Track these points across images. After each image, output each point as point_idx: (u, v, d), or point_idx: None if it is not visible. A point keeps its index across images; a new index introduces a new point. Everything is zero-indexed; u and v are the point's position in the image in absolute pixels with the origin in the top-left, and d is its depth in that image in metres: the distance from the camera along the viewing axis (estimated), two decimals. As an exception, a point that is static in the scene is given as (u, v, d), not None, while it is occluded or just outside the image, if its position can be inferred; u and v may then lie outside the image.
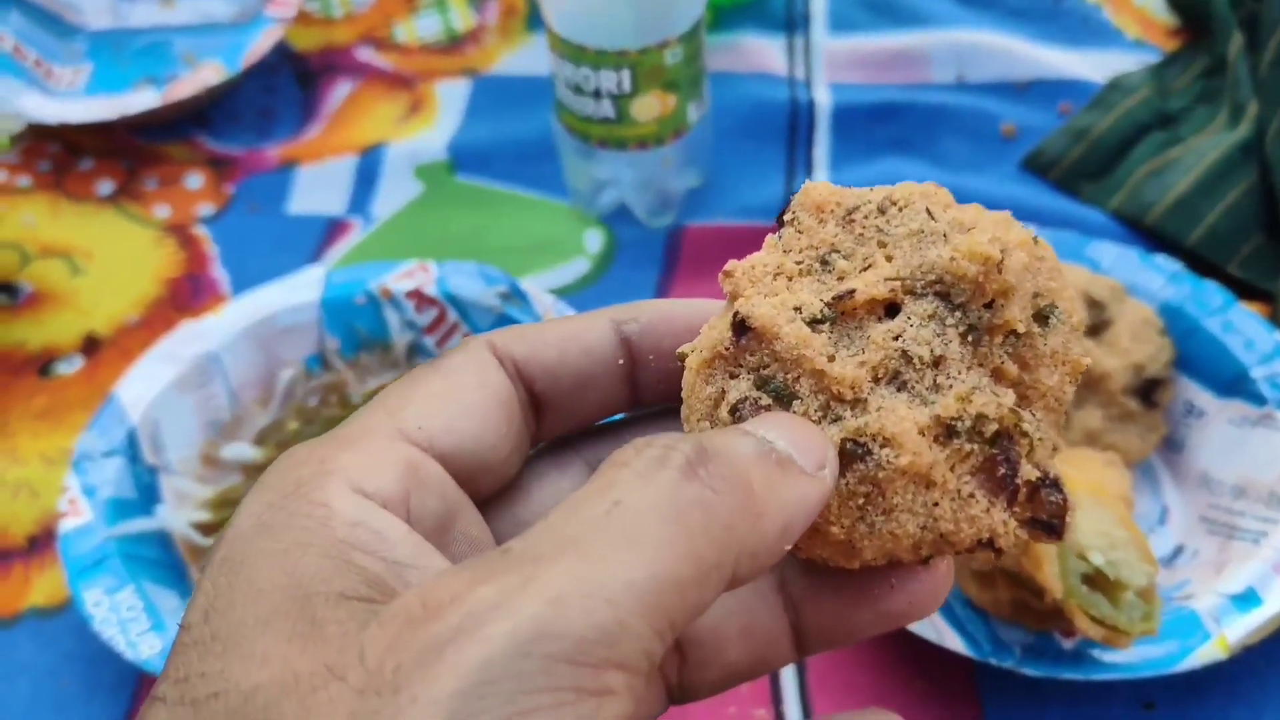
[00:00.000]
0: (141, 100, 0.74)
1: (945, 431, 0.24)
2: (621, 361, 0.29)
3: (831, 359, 0.25)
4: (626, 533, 0.20)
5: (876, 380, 0.25)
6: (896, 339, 0.25)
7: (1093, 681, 0.49)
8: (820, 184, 0.28)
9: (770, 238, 0.28)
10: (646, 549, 0.20)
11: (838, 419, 0.25)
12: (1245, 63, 0.74)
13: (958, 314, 0.25)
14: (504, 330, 0.28)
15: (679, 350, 0.27)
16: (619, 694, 0.20)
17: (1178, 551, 0.55)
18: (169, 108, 0.75)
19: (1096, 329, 0.57)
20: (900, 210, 0.27)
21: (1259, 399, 0.55)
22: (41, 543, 0.58)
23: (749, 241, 0.64)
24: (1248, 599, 0.48)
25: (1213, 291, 0.59)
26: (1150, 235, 0.69)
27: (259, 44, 0.77)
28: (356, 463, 0.24)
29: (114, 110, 0.74)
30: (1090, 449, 0.55)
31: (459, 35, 0.85)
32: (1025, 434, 0.25)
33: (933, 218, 0.26)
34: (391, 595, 0.22)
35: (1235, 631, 0.47)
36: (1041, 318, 0.26)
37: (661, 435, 0.22)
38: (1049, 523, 0.25)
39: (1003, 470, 0.25)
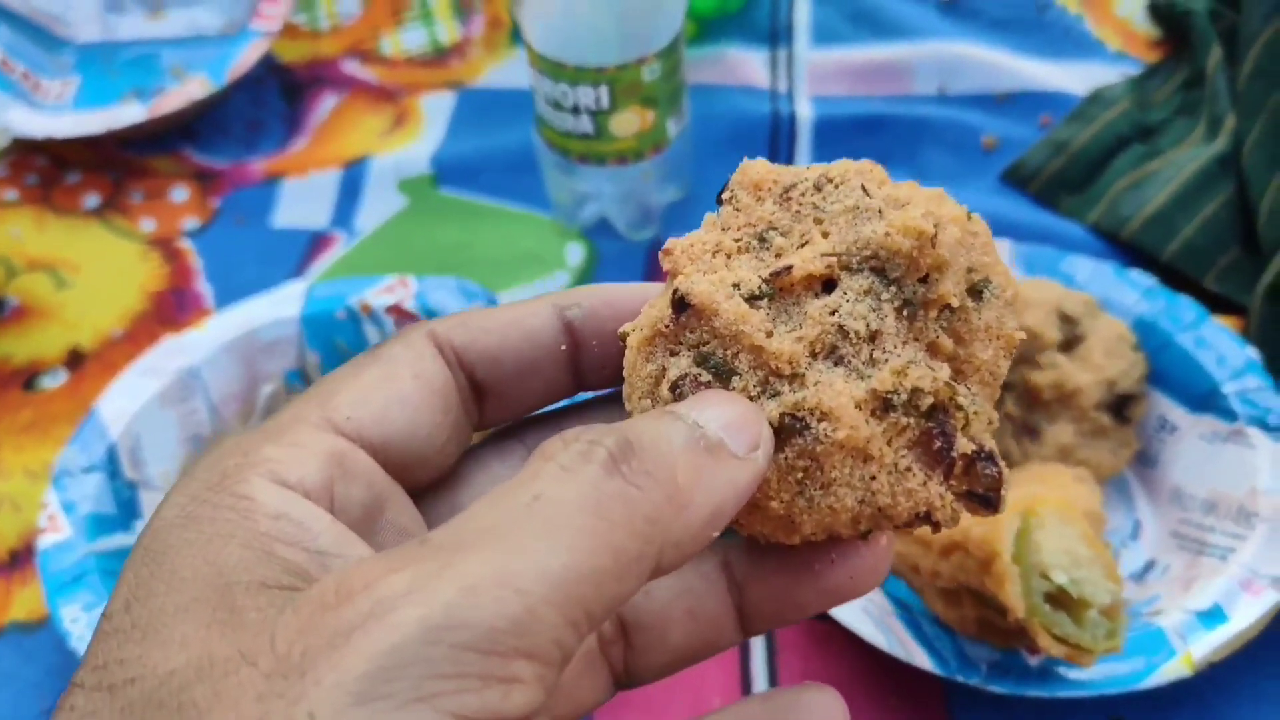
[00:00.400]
0: (128, 114, 0.75)
1: (882, 405, 0.25)
2: (564, 347, 0.29)
3: (769, 334, 0.25)
4: (545, 524, 0.20)
5: (814, 355, 0.25)
6: (833, 314, 0.25)
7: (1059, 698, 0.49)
8: (758, 162, 0.28)
9: (709, 216, 0.28)
10: (563, 540, 0.20)
11: (776, 394, 0.25)
12: (1224, 75, 0.74)
13: (893, 289, 0.25)
14: (445, 318, 0.28)
15: (620, 330, 0.27)
16: (527, 683, 0.20)
17: (1149, 566, 0.55)
18: (155, 121, 0.75)
19: (1069, 344, 0.57)
20: (836, 187, 0.27)
21: (1230, 414, 0.55)
22: (23, 558, 0.58)
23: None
24: (1214, 616, 0.49)
25: (1186, 307, 0.59)
26: (1128, 249, 0.69)
27: (245, 57, 0.78)
28: (280, 454, 0.25)
29: (100, 125, 0.74)
30: (1061, 464, 0.55)
31: (444, 48, 0.86)
32: (960, 407, 0.25)
33: (868, 194, 0.26)
34: (313, 584, 0.22)
35: (1200, 649, 0.47)
36: (975, 292, 0.26)
37: (591, 428, 0.22)
38: (985, 495, 0.25)
39: (939, 443, 0.25)
